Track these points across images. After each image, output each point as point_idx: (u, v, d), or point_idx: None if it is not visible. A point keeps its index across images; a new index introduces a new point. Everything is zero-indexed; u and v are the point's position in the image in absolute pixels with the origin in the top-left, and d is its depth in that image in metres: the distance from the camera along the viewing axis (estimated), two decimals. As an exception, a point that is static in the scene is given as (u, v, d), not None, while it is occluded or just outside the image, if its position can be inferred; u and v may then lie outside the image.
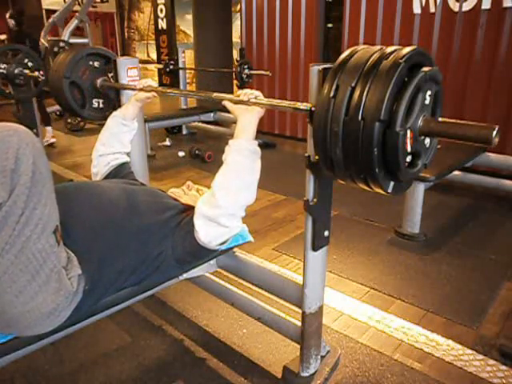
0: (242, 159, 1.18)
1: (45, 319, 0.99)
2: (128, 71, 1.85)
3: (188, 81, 7.46)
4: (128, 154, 1.67)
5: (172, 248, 1.23)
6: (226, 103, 1.27)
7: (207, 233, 1.19)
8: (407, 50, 0.94)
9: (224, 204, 1.16)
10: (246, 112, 1.23)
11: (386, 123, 0.91)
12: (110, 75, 2.01)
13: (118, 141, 1.62)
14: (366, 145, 0.93)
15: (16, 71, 2.99)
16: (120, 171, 1.59)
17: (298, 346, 1.50)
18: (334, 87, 0.97)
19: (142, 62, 9.56)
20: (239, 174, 1.18)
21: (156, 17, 9.49)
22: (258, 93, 1.24)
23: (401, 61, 0.91)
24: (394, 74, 0.90)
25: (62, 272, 0.98)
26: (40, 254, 0.92)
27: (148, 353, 1.69)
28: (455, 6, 3.68)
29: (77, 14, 6.09)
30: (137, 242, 1.18)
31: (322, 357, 1.57)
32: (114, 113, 1.66)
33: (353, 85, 0.94)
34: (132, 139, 1.68)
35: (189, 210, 1.33)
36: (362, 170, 0.98)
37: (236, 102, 1.25)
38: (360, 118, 0.92)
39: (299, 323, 1.48)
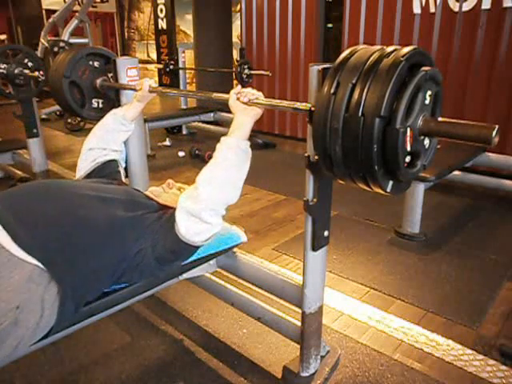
0: (231, 157, 1.18)
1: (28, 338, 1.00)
2: (128, 71, 1.85)
3: (188, 81, 7.46)
4: (118, 152, 1.64)
5: (152, 247, 1.20)
6: (231, 95, 1.25)
7: (188, 227, 1.17)
8: (408, 49, 0.95)
9: (206, 197, 1.15)
10: (245, 110, 1.23)
11: (386, 120, 0.92)
12: (109, 75, 2.01)
13: (112, 138, 1.60)
14: (365, 141, 0.93)
15: (16, 71, 2.98)
16: (104, 168, 1.55)
17: (298, 346, 1.50)
18: (334, 84, 0.97)
19: (142, 62, 9.57)
20: (226, 170, 1.18)
21: (156, 17, 9.49)
22: (258, 93, 1.24)
23: (402, 59, 0.91)
24: (395, 71, 0.90)
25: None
26: None
27: (148, 353, 1.69)
28: (455, 6, 3.68)
29: (77, 13, 6.10)
30: (111, 241, 1.16)
31: (322, 357, 1.57)
32: (115, 110, 1.65)
33: (353, 82, 0.95)
34: (130, 140, 1.67)
35: (165, 209, 1.31)
36: (362, 168, 0.98)
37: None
38: (360, 114, 0.92)
39: (299, 323, 1.48)
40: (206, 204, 1.15)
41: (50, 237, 1.07)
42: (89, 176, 1.54)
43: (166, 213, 1.27)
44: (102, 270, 1.14)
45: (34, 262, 1.01)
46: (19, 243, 1.01)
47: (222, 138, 1.21)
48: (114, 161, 1.60)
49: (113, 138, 1.60)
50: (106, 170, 1.55)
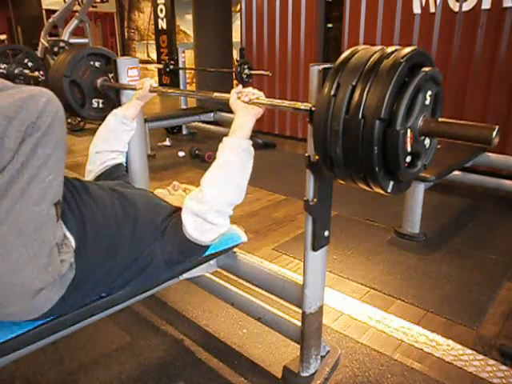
0: (234, 157, 1.19)
1: (29, 299, 0.97)
2: (128, 71, 1.85)
3: (188, 81, 7.46)
4: (124, 155, 1.66)
5: (161, 249, 1.21)
6: (232, 94, 1.25)
7: (194, 227, 1.19)
8: (408, 49, 0.95)
9: (211, 199, 1.16)
10: (246, 110, 1.23)
11: (387, 122, 0.92)
12: (110, 75, 2.01)
13: (116, 138, 1.61)
14: (366, 143, 0.93)
15: (16, 71, 2.99)
16: (113, 172, 1.57)
17: (298, 346, 1.50)
18: (334, 86, 0.97)
19: (142, 62, 9.56)
20: (230, 171, 1.18)
21: (156, 17, 9.49)
22: (260, 93, 1.24)
23: (402, 60, 0.91)
24: (395, 73, 0.91)
25: (54, 249, 0.98)
26: (38, 217, 0.91)
27: (148, 353, 1.69)
28: (455, 6, 3.68)
29: (77, 13, 6.09)
30: (130, 244, 1.17)
31: (322, 357, 1.57)
32: (115, 110, 1.65)
33: (353, 83, 0.95)
34: (130, 140, 1.68)
35: (178, 211, 1.32)
36: (362, 169, 0.98)
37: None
38: (360, 116, 0.92)
39: (299, 323, 1.48)
40: (210, 206, 1.16)
41: (86, 230, 1.09)
42: (98, 178, 1.55)
43: (174, 217, 1.27)
44: (113, 271, 1.15)
45: (73, 243, 1.04)
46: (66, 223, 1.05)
47: (224, 139, 1.22)
48: (121, 164, 1.62)
49: (116, 138, 1.61)
50: (115, 174, 1.56)
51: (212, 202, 1.16)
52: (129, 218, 1.20)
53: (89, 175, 1.58)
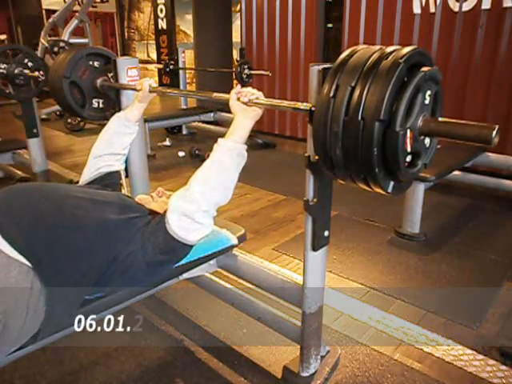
0: (228, 159, 1.18)
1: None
2: (128, 71, 1.85)
3: (188, 81, 7.47)
4: (123, 157, 1.64)
5: (142, 250, 1.18)
6: (232, 95, 1.24)
7: (180, 226, 1.17)
8: (407, 49, 0.94)
9: (199, 197, 1.15)
10: (245, 111, 1.23)
11: (386, 123, 0.91)
12: (110, 75, 2.01)
13: (118, 141, 1.60)
14: (365, 145, 0.93)
15: (16, 71, 2.98)
16: (105, 178, 1.54)
17: (298, 346, 1.50)
18: (333, 87, 0.97)
19: (142, 62, 9.56)
20: (221, 173, 1.18)
21: (156, 17, 9.49)
22: (259, 93, 1.24)
23: (400, 61, 0.91)
24: (394, 73, 0.90)
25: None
26: None
27: (148, 353, 1.69)
28: (455, 6, 3.68)
29: (77, 13, 6.09)
30: (101, 243, 1.14)
31: (322, 357, 1.57)
32: (117, 114, 1.65)
33: (352, 85, 0.94)
34: (131, 143, 1.67)
35: (154, 214, 1.31)
36: (362, 170, 0.98)
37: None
38: (360, 117, 0.92)
39: (299, 323, 1.48)
40: (198, 205, 1.16)
41: (38, 237, 1.06)
42: (90, 184, 1.53)
43: (156, 217, 1.26)
44: (91, 273, 1.12)
45: (23, 260, 1.00)
46: (9, 241, 1.01)
47: (220, 140, 1.21)
48: (116, 172, 1.59)
49: (118, 141, 1.60)
50: (106, 180, 1.54)
51: (200, 201, 1.15)
52: (95, 215, 1.18)
53: (82, 178, 1.56)
